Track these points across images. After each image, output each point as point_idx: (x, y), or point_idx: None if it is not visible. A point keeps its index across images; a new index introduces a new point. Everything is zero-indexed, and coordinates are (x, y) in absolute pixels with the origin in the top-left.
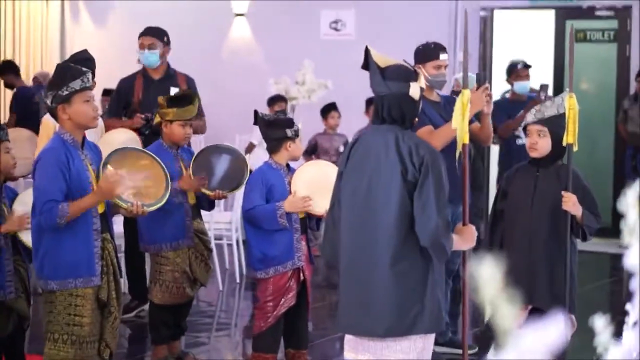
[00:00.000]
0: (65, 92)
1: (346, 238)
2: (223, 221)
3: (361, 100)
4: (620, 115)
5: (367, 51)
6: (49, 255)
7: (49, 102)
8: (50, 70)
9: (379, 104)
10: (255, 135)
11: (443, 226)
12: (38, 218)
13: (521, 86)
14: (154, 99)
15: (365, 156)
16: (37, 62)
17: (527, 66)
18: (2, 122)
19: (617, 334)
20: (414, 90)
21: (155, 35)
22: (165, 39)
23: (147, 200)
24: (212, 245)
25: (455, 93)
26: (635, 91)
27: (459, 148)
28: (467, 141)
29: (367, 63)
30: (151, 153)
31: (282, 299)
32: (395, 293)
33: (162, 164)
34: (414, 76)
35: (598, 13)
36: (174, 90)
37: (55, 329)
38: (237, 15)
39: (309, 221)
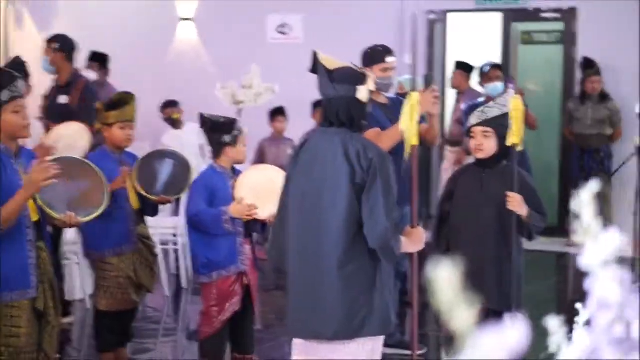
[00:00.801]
0: None
1: (294, 241)
2: (169, 226)
3: (308, 104)
4: (566, 118)
5: (315, 54)
6: None
7: None
8: None
9: (327, 107)
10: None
11: (392, 229)
12: None
13: (492, 88)
14: (51, 107)
15: (313, 159)
16: None
17: (497, 67)
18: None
19: (567, 332)
20: (362, 93)
21: (47, 41)
22: (56, 45)
23: (83, 210)
24: (158, 250)
25: (399, 95)
26: (580, 93)
27: (408, 149)
28: (416, 142)
29: (315, 66)
30: (89, 162)
31: (227, 304)
32: (343, 296)
33: (100, 172)
34: (362, 79)
35: (544, 15)
36: (62, 99)
37: None
38: (183, 19)
39: (254, 225)
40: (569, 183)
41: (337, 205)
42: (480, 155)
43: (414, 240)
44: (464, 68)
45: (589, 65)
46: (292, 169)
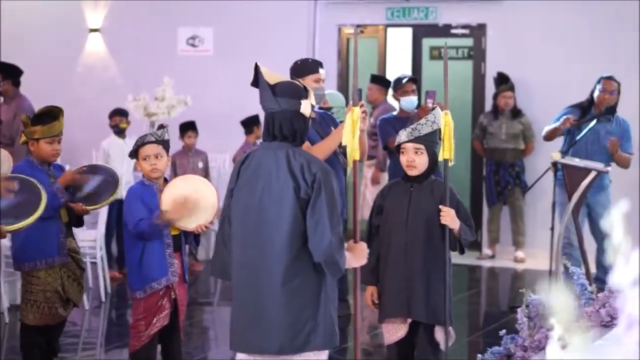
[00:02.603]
0: None
1: (238, 255)
2: (87, 239)
3: (220, 115)
4: (476, 132)
5: (257, 67)
6: None
7: None
8: None
9: (270, 121)
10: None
11: (336, 243)
12: None
13: (407, 101)
14: None
15: (256, 173)
16: None
17: (413, 80)
18: None
19: (487, 346)
20: (305, 107)
21: None
22: None
23: (9, 219)
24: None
25: (322, 109)
26: (493, 107)
27: (350, 164)
28: (357, 157)
29: (257, 80)
30: (23, 175)
31: (154, 318)
32: (288, 310)
33: (35, 182)
34: (305, 93)
35: (454, 31)
36: None
37: None
38: (92, 30)
39: (186, 237)
40: (479, 198)
41: (282, 219)
42: (413, 172)
43: (357, 255)
44: (379, 82)
45: (503, 81)
46: (235, 183)
